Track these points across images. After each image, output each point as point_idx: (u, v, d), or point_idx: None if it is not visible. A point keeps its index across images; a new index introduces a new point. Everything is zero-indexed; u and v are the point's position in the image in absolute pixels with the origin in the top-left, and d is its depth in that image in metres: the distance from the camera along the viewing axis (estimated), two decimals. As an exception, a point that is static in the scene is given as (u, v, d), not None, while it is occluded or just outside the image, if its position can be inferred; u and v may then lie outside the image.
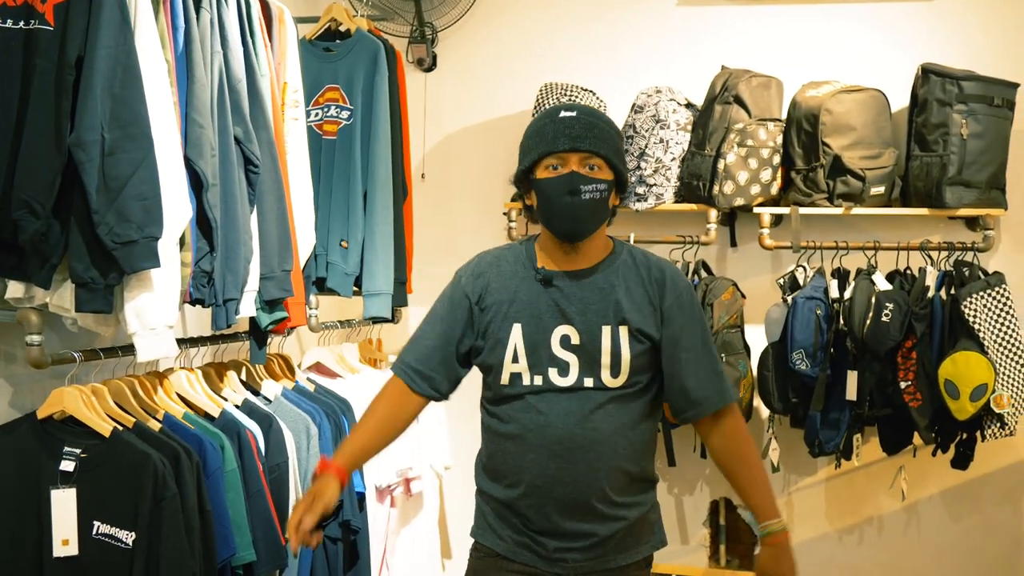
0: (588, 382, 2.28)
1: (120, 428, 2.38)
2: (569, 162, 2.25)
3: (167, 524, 2.30)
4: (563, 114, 2.29)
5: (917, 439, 3.57)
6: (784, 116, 3.72)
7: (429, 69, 4.27)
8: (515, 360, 2.30)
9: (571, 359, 2.28)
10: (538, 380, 2.29)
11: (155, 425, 2.47)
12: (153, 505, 2.30)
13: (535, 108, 3.82)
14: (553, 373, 2.29)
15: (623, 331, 2.29)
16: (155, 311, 2.36)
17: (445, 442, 3.80)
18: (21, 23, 2.29)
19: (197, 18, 2.56)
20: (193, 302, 2.56)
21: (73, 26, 2.25)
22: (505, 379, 2.31)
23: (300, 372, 3.33)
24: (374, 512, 3.43)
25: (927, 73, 3.55)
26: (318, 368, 3.50)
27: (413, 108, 4.22)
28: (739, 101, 3.62)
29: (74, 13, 2.25)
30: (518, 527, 2.34)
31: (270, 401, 2.97)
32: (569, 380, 2.28)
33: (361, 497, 3.13)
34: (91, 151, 2.22)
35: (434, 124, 4.27)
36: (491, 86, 4.20)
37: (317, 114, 3.56)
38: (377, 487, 3.43)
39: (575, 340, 2.28)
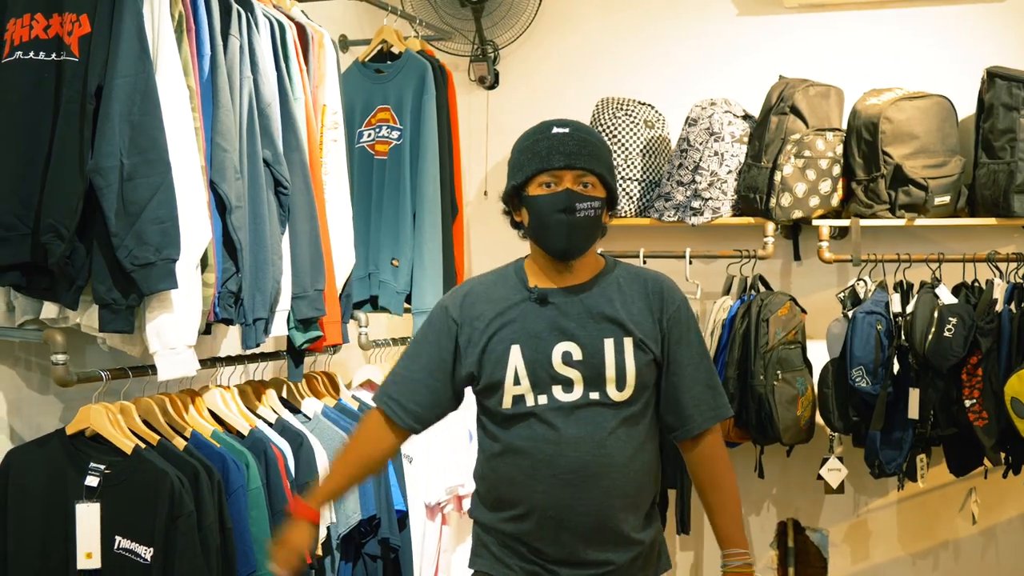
0: (594, 395, 2.22)
1: (143, 446, 2.44)
2: (563, 180, 2.21)
3: (182, 541, 2.35)
4: (556, 130, 2.25)
5: (987, 460, 3.41)
6: (844, 126, 3.61)
7: (492, 87, 4.28)
8: (516, 382, 2.24)
9: (574, 375, 2.23)
10: (542, 399, 2.23)
11: (180, 443, 2.53)
12: (169, 522, 2.35)
13: (591, 123, 3.80)
14: (557, 391, 2.23)
15: (628, 343, 2.25)
16: (175, 331, 2.42)
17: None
18: (53, 55, 2.38)
19: (225, 45, 2.62)
20: (221, 322, 2.61)
21: (95, 57, 2.33)
22: (508, 403, 2.25)
23: (348, 390, 3.37)
24: (425, 530, 3.45)
25: (992, 77, 3.41)
26: (369, 385, 3.54)
27: (476, 126, 4.26)
28: (796, 111, 3.53)
29: (96, 44, 2.34)
30: (526, 555, 2.28)
31: (309, 419, 3.00)
32: (574, 396, 2.23)
33: (402, 515, 3.14)
34: (109, 177, 2.29)
35: (497, 141, 4.28)
36: (552, 101, 4.19)
37: (369, 135, 3.60)
38: (427, 505, 3.44)
39: (577, 355, 2.23)
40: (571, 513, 2.22)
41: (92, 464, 2.42)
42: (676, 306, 2.30)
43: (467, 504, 3.58)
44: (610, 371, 2.23)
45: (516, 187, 2.27)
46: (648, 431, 2.30)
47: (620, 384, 2.24)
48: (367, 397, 3.41)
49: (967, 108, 3.57)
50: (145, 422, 2.56)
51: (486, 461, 2.34)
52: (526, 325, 2.26)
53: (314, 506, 2.30)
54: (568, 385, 2.23)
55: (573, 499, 2.22)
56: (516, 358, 2.24)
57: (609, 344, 2.24)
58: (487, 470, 2.33)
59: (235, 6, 2.65)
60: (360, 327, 3.47)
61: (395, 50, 3.66)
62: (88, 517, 2.40)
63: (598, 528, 2.24)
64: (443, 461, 3.45)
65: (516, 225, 2.34)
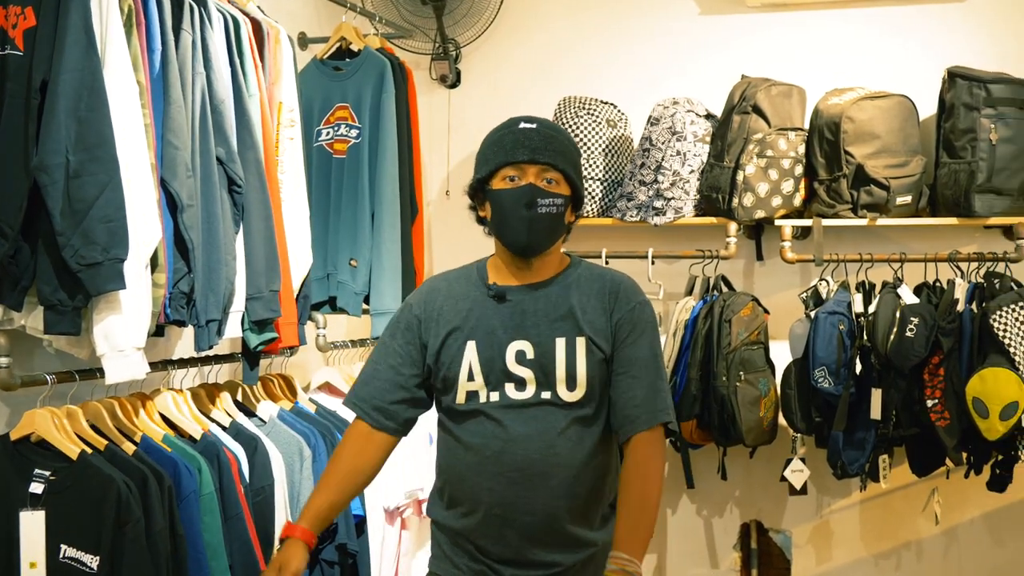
0: (546, 395, 2.21)
1: (89, 451, 2.37)
2: (527, 174, 2.20)
3: (130, 549, 2.28)
4: (523, 125, 2.23)
5: (949, 460, 3.40)
6: (806, 125, 3.60)
7: (453, 85, 4.24)
8: (471, 378, 2.23)
9: (527, 374, 2.22)
10: (495, 396, 2.22)
11: (129, 448, 2.46)
12: (116, 529, 2.28)
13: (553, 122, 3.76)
14: (510, 388, 2.22)
15: (580, 343, 2.22)
16: (124, 333, 2.35)
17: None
18: (-3, 49, 2.32)
19: (177, 40, 2.55)
20: (172, 323, 2.55)
21: (40, 51, 2.26)
22: (461, 398, 2.24)
23: (305, 393, 3.31)
24: (384, 535, 3.39)
25: (953, 77, 3.41)
26: (327, 388, 3.48)
27: (437, 125, 4.21)
28: (758, 110, 3.51)
29: (41, 38, 2.27)
30: (473, 554, 2.26)
31: (264, 423, 2.94)
32: (526, 394, 2.21)
33: (360, 520, 3.09)
34: (54, 174, 2.23)
35: (459, 140, 4.23)
36: (515, 100, 4.14)
37: (328, 133, 3.55)
38: (386, 509, 3.38)
39: (530, 355, 2.21)
40: (516, 511, 2.20)
41: (37, 470, 2.35)
42: (631, 307, 2.26)
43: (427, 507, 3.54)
44: (560, 371, 2.21)
45: (480, 180, 2.25)
46: (602, 435, 2.26)
47: (570, 384, 2.21)
48: (325, 400, 3.36)
49: (928, 108, 3.57)
50: (93, 427, 2.48)
51: (440, 458, 2.34)
52: (483, 322, 2.25)
53: (306, 526, 2.21)
54: (521, 384, 2.22)
55: (518, 497, 2.20)
56: (471, 354, 2.23)
57: (561, 344, 2.22)
58: (442, 466, 2.34)
59: (187, 0, 2.59)
60: (318, 328, 3.41)
61: (354, 47, 3.61)
62: (32, 525, 2.32)
63: (544, 528, 2.21)
64: (402, 465, 3.39)
65: (480, 220, 2.32)
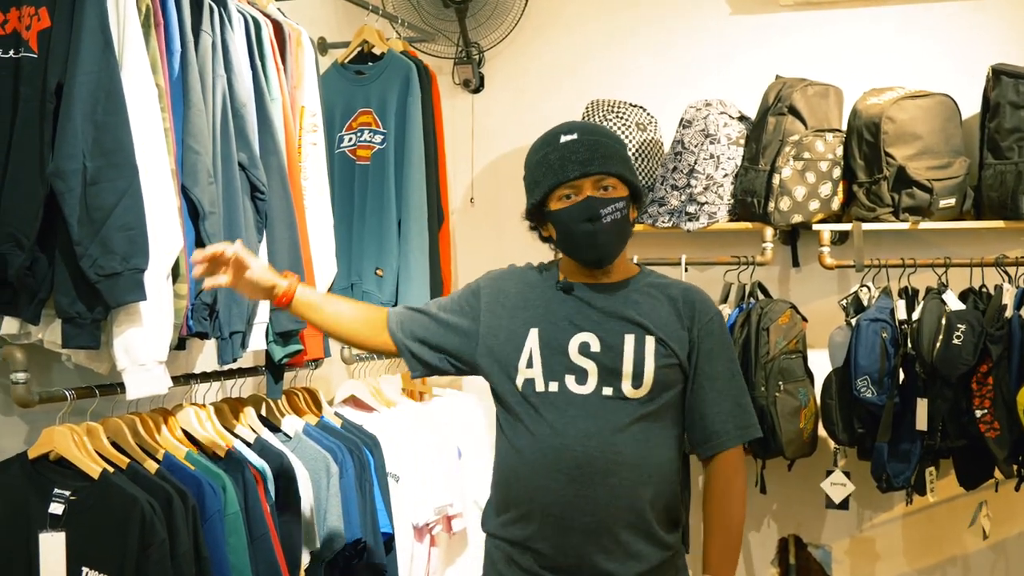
0: (607, 390, 2.16)
1: (111, 470, 2.28)
2: (583, 189, 2.17)
3: (154, 572, 2.18)
4: (564, 139, 2.19)
5: (998, 472, 3.27)
6: (844, 126, 3.48)
7: (477, 90, 4.14)
8: (529, 365, 2.20)
9: (590, 366, 2.17)
10: (553, 387, 2.18)
11: (152, 466, 2.36)
12: (140, 552, 2.18)
13: (581, 127, 3.66)
14: (570, 380, 2.18)
15: (649, 340, 2.17)
16: (145, 346, 2.26)
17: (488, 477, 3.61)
18: (11, 52, 2.23)
19: (196, 42, 2.46)
20: (195, 335, 2.45)
21: (54, 53, 2.18)
22: (520, 384, 2.21)
23: (330, 407, 3.20)
24: (413, 552, 3.29)
25: (998, 74, 3.28)
26: (353, 401, 3.38)
27: (461, 130, 4.12)
28: (794, 111, 3.40)
29: (55, 39, 2.19)
30: (530, 568, 2.18)
31: (290, 438, 2.84)
32: (587, 388, 2.17)
33: (388, 538, 2.98)
34: (71, 181, 2.14)
35: (483, 146, 4.14)
36: (540, 105, 4.05)
37: (351, 139, 3.46)
38: (415, 525, 3.28)
39: (595, 347, 2.18)
40: (573, 511, 2.13)
41: (57, 490, 2.25)
42: (710, 318, 2.23)
43: (457, 525, 3.44)
44: (627, 366, 2.16)
45: (536, 204, 2.21)
46: (669, 437, 2.21)
47: (636, 381, 2.16)
48: (351, 414, 3.25)
49: (970, 107, 3.44)
50: (114, 444, 2.39)
51: (496, 460, 2.30)
52: (549, 311, 2.23)
53: (293, 294, 2.29)
54: (582, 376, 2.18)
55: (577, 496, 2.13)
56: (533, 341, 2.21)
57: (630, 339, 2.18)
58: (496, 467, 2.30)
59: (207, 1, 2.49)
60: (342, 340, 3.30)
61: (376, 51, 3.52)
62: (53, 547, 2.23)
63: (601, 531, 2.13)
64: (431, 480, 3.30)
65: (545, 239, 2.29)
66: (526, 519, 2.19)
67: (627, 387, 2.16)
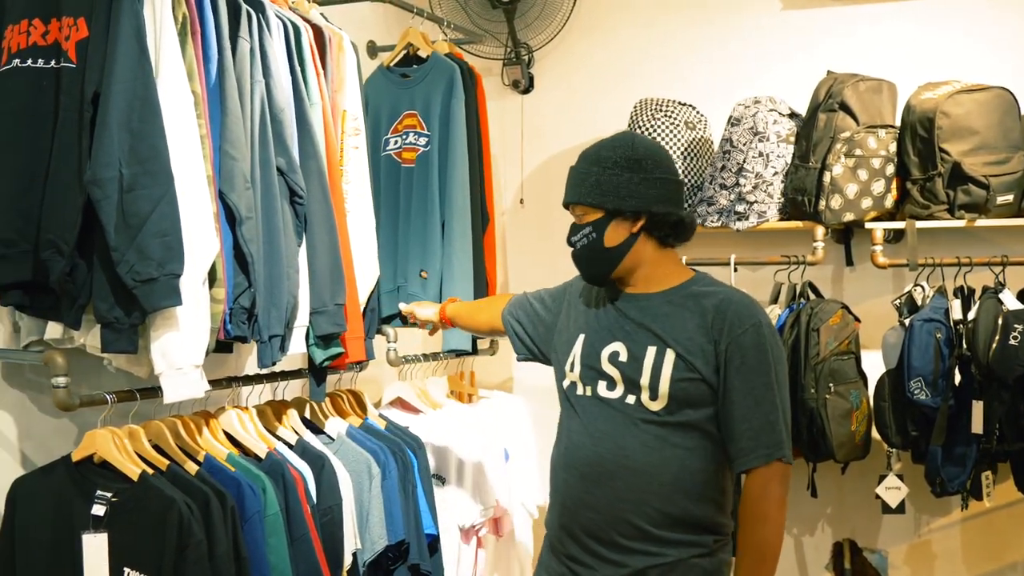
0: (631, 399, 2.26)
1: (150, 471, 2.31)
2: (574, 213, 2.37)
3: (192, 572, 2.20)
4: (572, 165, 2.36)
5: (1059, 476, 3.18)
6: (897, 122, 3.40)
7: (526, 91, 4.14)
8: (572, 368, 2.36)
9: (616, 374, 2.29)
10: (588, 391, 2.33)
11: (192, 468, 2.39)
12: (177, 553, 2.21)
13: (629, 126, 3.63)
14: (602, 386, 2.30)
15: (669, 354, 2.21)
16: (181, 350, 2.28)
17: (537, 479, 3.60)
18: (52, 62, 2.27)
19: (234, 48, 2.48)
20: (233, 339, 2.48)
21: (92, 62, 2.21)
22: (566, 385, 2.39)
23: (375, 408, 3.21)
24: (460, 555, 3.29)
25: (1057, 67, 3.19)
26: (400, 403, 3.39)
27: (511, 131, 4.12)
28: (845, 108, 3.33)
29: (93, 48, 2.22)
30: (559, 554, 2.34)
31: (332, 440, 2.86)
32: (615, 394, 2.28)
33: (432, 540, 2.98)
34: (108, 188, 2.16)
35: (533, 147, 4.13)
36: (590, 104, 4.04)
37: (396, 142, 3.46)
38: (461, 527, 3.28)
39: (622, 356, 2.28)
40: (580, 507, 2.28)
41: (99, 492, 2.29)
42: (741, 331, 2.19)
43: (504, 527, 3.43)
44: (644, 378, 2.23)
45: None
46: (695, 448, 2.21)
47: (652, 394, 2.22)
48: (397, 416, 3.27)
49: (1030, 101, 3.35)
50: (156, 446, 2.43)
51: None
52: (596, 318, 2.38)
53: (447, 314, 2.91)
54: (612, 383, 2.29)
55: (585, 493, 2.27)
56: (578, 346, 2.38)
57: (651, 352, 2.25)
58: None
59: (245, 7, 2.51)
60: (388, 343, 3.31)
61: (422, 53, 3.52)
62: (95, 548, 2.26)
63: (606, 529, 2.23)
64: (477, 482, 3.29)
65: None
66: (553, 509, 2.38)
67: (645, 398, 2.24)
